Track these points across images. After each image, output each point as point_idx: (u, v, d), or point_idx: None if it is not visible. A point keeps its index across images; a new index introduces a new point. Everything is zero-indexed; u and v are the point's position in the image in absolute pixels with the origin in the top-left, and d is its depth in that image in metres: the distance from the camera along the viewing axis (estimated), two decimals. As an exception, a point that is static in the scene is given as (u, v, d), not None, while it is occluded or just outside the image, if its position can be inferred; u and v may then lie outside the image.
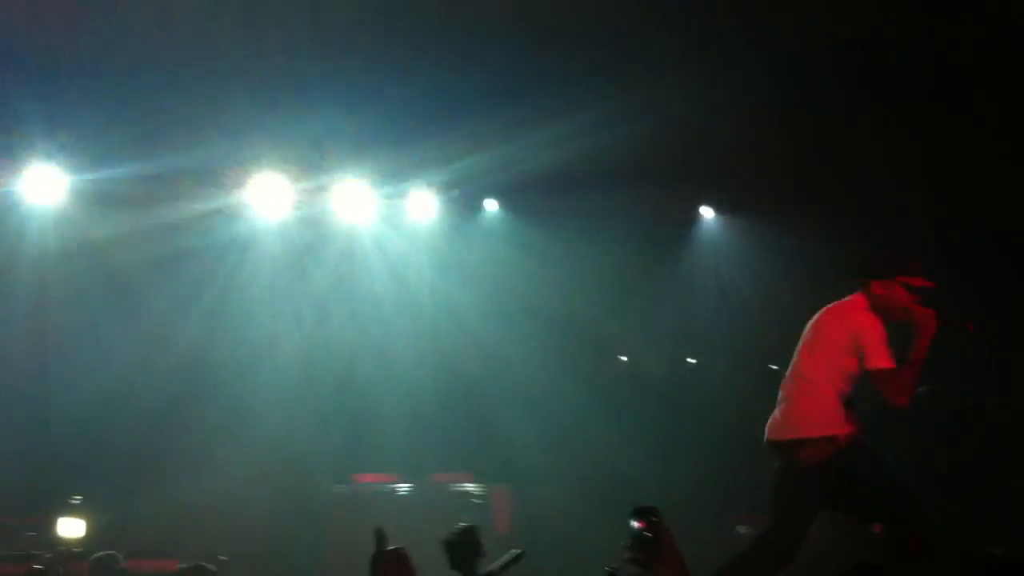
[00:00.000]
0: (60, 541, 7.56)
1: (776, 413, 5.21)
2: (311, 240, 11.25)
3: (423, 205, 11.53)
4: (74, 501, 8.01)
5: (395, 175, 10.96)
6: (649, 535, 3.00)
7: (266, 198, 10.59)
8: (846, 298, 5.25)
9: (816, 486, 5.07)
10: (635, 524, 3.09)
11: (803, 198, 10.74)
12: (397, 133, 9.72)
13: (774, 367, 10.82)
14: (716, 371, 11.77)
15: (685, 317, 12.00)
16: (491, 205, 11.85)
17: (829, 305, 5.28)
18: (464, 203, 11.62)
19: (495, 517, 10.33)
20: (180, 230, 10.19)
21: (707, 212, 12.17)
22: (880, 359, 4.96)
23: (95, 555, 7.56)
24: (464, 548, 4.90)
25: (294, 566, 9.63)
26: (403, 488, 10.41)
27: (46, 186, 9.66)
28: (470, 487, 10.39)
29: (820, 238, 10.13)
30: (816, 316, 5.29)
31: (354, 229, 11.45)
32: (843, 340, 5.06)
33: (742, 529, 9.86)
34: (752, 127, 9.45)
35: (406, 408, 11.19)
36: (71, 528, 7.73)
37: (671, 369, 11.93)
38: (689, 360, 12.33)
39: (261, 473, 10.19)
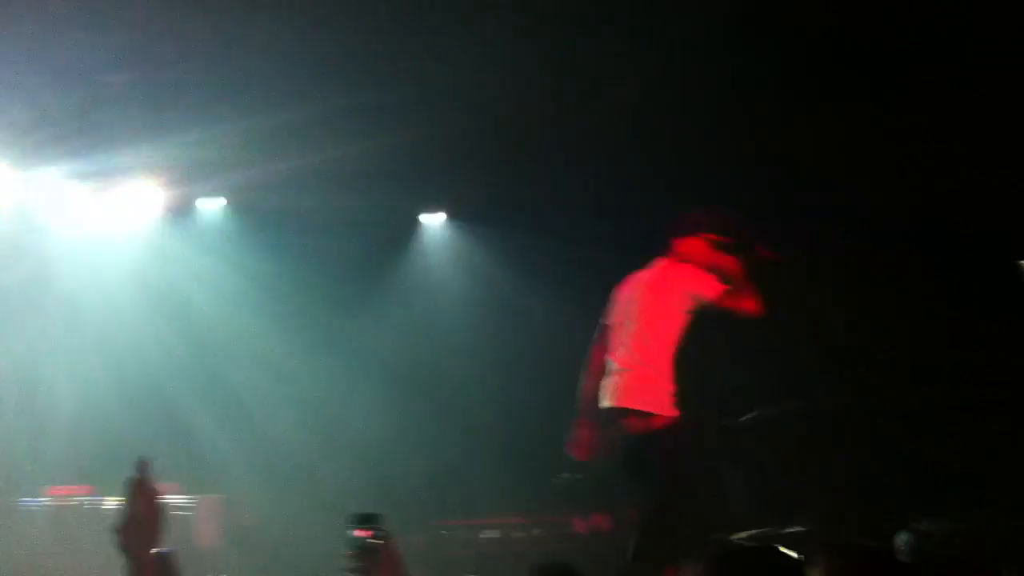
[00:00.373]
0: None
1: (619, 381, 5.25)
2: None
3: (139, 202, 11.08)
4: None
5: (109, 170, 10.38)
6: (373, 542, 2.98)
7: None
8: (653, 266, 5.40)
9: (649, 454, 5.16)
10: (357, 532, 3.06)
11: (519, 199, 11.07)
12: (111, 123, 9.21)
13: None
14: (443, 371, 11.86)
15: (413, 316, 12.06)
16: (214, 204, 11.57)
17: (640, 275, 5.41)
18: (182, 202, 11.24)
19: (199, 529, 10.00)
20: None
21: (433, 216, 12.32)
22: (715, 288, 5.18)
23: None
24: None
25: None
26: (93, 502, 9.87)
27: None
28: (178, 499, 9.96)
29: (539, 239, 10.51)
30: (642, 278, 5.41)
31: (58, 226, 10.78)
32: (678, 300, 5.22)
33: (444, 533, 10.12)
34: (475, 130, 9.63)
35: (100, 416, 10.63)
36: None
37: (395, 370, 11.91)
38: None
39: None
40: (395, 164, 10.27)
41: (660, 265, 5.37)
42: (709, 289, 5.17)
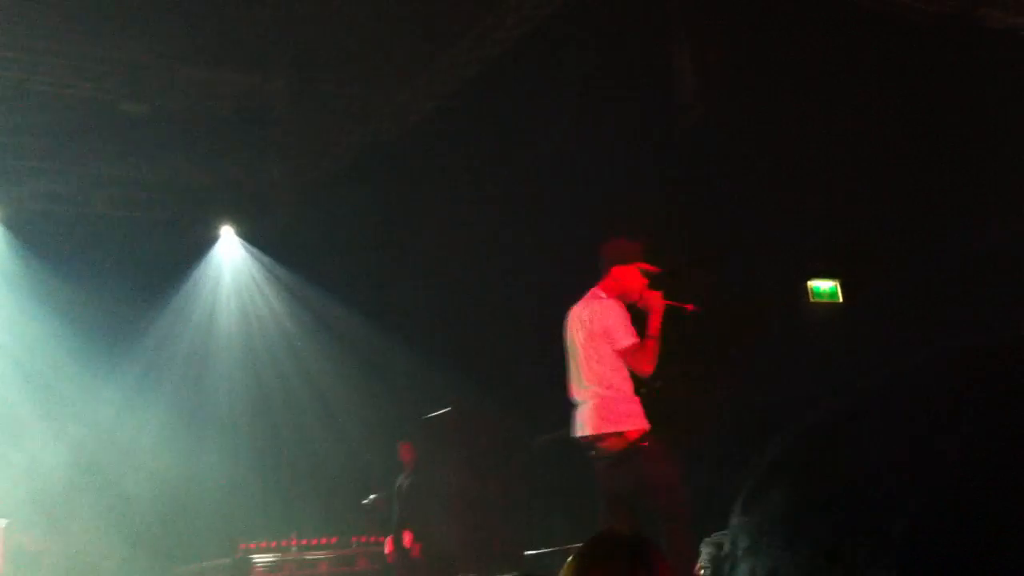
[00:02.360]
0: None
1: (583, 411, 5.58)
2: None
3: None
4: None
5: None
6: None
7: None
8: (594, 288, 5.71)
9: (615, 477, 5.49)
10: None
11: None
12: None
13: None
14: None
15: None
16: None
17: (584, 298, 5.73)
18: None
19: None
20: None
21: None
22: (624, 339, 5.46)
23: None
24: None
25: None
26: None
27: None
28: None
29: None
30: (577, 312, 5.71)
31: None
32: (600, 333, 5.52)
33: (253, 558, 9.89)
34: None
35: None
36: None
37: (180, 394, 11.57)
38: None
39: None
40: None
41: (593, 293, 5.71)
42: (622, 335, 5.49)
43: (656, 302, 5.57)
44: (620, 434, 5.44)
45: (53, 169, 10.05)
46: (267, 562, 9.68)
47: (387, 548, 9.53)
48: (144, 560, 9.94)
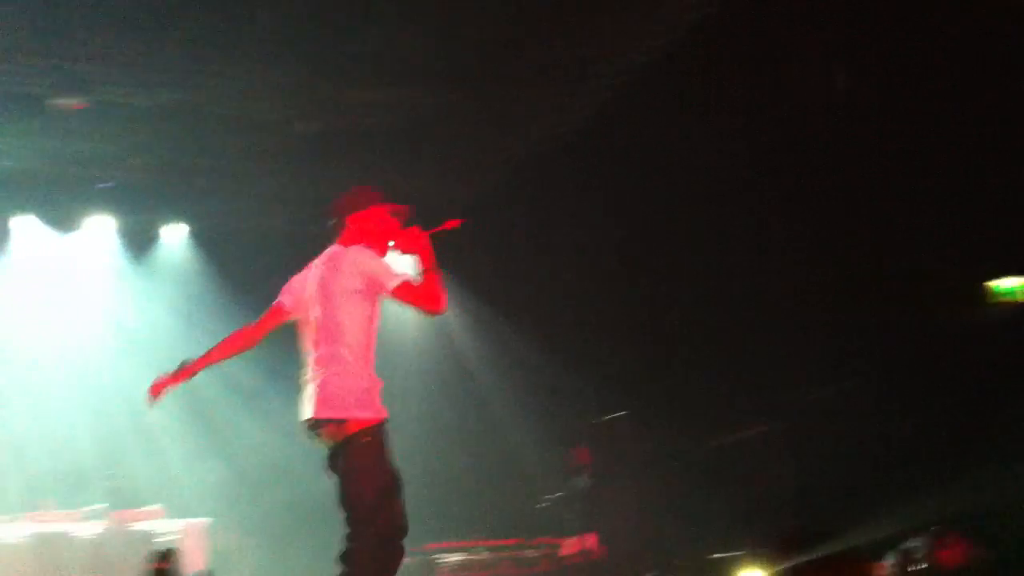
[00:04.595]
0: None
1: (311, 390, 4.82)
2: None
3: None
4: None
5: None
6: None
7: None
8: (325, 253, 4.98)
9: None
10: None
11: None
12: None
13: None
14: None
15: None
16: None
17: (312, 267, 5.01)
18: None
19: (186, 556, 9.95)
20: None
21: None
22: (392, 278, 4.76)
23: None
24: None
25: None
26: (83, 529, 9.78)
27: None
28: (158, 524, 9.90)
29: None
30: (300, 279, 5.03)
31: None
32: (355, 284, 4.79)
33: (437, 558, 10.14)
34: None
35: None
36: None
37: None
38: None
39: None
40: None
41: (332, 250, 4.97)
42: (388, 274, 4.76)
43: (416, 237, 4.83)
44: (342, 422, 4.70)
45: (234, 188, 10.50)
46: (452, 562, 9.91)
47: (570, 550, 9.62)
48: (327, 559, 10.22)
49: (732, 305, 8.81)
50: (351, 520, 4.68)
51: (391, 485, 4.78)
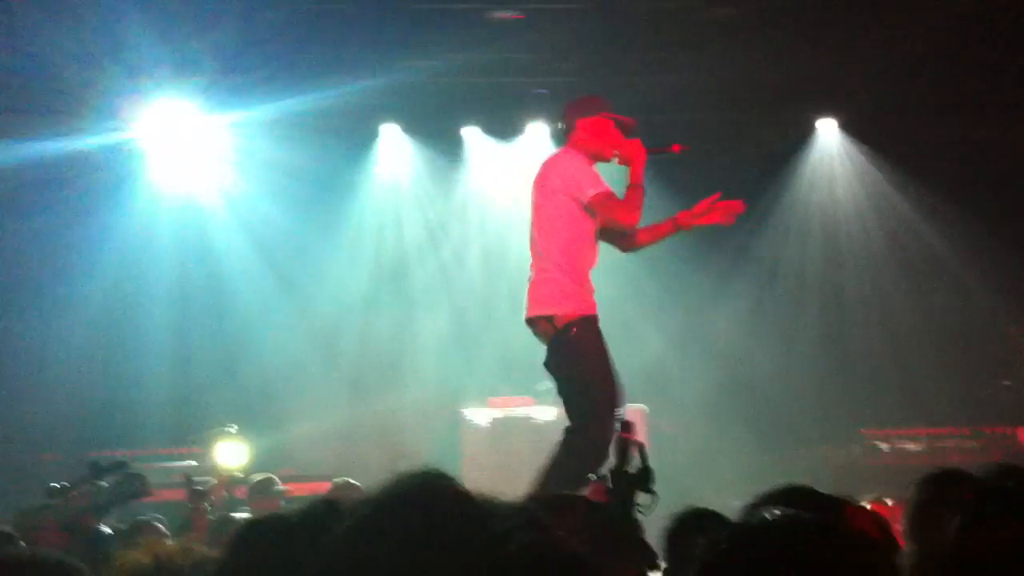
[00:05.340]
0: (220, 467, 7.93)
1: (528, 289, 5.20)
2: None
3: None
4: (230, 429, 8.40)
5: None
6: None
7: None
8: (553, 154, 5.35)
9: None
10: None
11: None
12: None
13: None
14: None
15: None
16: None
17: (539, 168, 5.33)
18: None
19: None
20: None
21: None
22: (595, 186, 5.00)
23: (254, 478, 7.97)
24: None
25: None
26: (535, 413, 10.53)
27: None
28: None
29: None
30: (533, 180, 5.32)
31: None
32: (560, 186, 5.05)
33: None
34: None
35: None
36: (232, 454, 8.11)
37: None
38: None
39: (403, 399, 10.55)
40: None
41: (552, 153, 5.31)
42: (588, 183, 4.95)
43: (636, 150, 4.99)
44: (551, 318, 4.91)
45: (655, 83, 10.63)
46: (894, 449, 9.62)
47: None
48: (761, 442, 10.23)
49: None
50: (569, 412, 4.97)
51: (602, 375, 4.96)
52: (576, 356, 5.05)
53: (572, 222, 5.09)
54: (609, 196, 5.06)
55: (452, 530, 1.04)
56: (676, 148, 5.28)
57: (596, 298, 5.27)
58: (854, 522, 1.97)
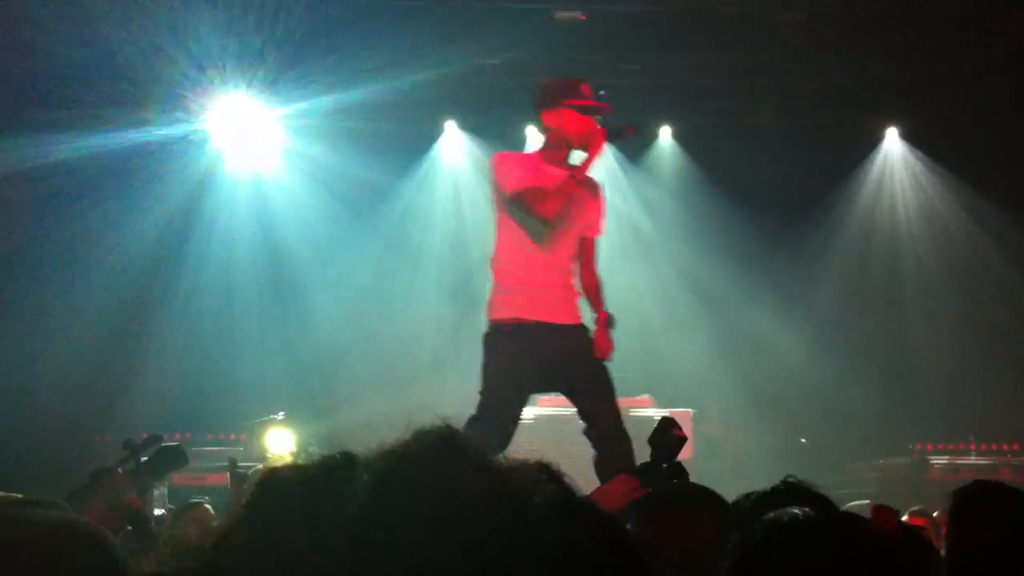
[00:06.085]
0: (268, 453, 8.07)
1: None
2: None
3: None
4: (277, 417, 8.56)
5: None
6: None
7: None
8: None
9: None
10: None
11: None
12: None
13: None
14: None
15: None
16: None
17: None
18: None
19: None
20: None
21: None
22: (509, 184, 4.92)
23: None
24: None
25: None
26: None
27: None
28: (648, 412, 10.42)
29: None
30: None
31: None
32: (489, 188, 5.12)
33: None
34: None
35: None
36: (280, 441, 8.25)
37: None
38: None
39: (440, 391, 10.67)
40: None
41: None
42: (502, 178, 4.88)
43: (596, 136, 4.79)
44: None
45: (719, 86, 10.57)
46: (944, 464, 9.47)
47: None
48: (808, 451, 10.13)
49: None
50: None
51: (488, 386, 4.86)
52: (483, 362, 5.11)
53: (500, 225, 5.17)
54: (522, 192, 4.99)
55: (476, 485, 1.05)
56: (630, 131, 5.32)
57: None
58: (879, 521, 1.97)
